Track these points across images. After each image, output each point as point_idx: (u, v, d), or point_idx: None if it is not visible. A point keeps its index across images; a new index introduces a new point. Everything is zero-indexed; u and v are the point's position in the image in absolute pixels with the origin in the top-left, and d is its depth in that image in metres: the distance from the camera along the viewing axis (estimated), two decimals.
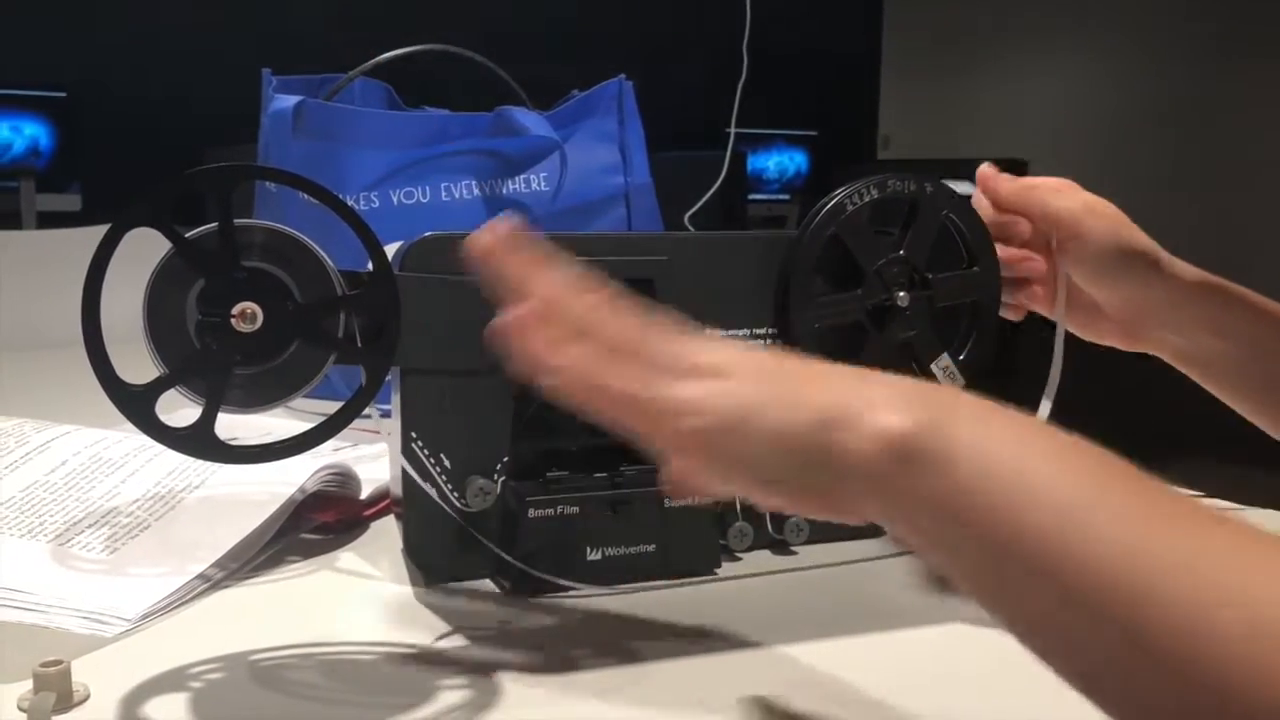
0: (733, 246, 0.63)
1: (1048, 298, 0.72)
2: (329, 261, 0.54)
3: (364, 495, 0.70)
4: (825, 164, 6.56)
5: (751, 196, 6.41)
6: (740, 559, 0.64)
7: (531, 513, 0.57)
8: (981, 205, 0.70)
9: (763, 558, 0.65)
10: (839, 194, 0.63)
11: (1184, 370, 0.72)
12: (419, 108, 1.17)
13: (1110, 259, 0.68)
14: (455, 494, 0.59)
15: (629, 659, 0.51)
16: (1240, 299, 0.69)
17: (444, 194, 1.00)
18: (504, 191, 1.01)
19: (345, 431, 0.56)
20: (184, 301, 0.52)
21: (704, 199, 1.76)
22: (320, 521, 0.67)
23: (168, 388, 0.51)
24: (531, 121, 0.99)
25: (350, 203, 0.99)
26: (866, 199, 0.63)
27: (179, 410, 0.52)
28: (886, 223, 0.64)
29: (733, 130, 1.75)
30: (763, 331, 0.64)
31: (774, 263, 0.63)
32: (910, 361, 0.66)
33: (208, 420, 0.52)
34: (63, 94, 4.60)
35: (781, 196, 6.89)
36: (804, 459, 0.39)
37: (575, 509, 0.58)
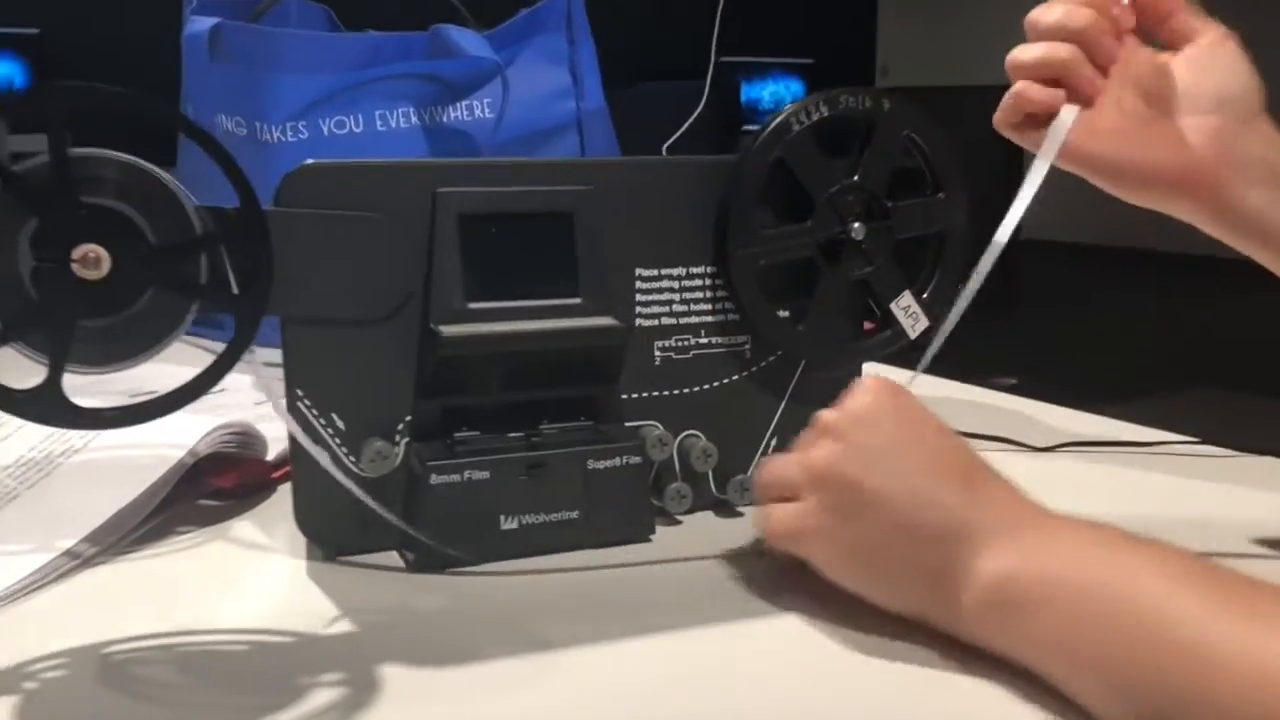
0: (665, 174, 0.56)
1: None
2: (186, 196, 0.47)
3: (271, 456, 0.64)
4: None
5: (746, 127, 6.29)
6: (680, 522, 0.58)
7: (434, 479, 0.51)
8: None
9: (705, 521, 0.58)
10: (784, 113, 0.56)
11: None
12: (362, 31, 1.08)
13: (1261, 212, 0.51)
14: (351, 458, 0.52)
15: (537, 647, 0.45)
16: None
17: (379, 122, 0.92)
18: (444, 119, 0.93)
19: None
20: (15, 245, 0.45)
21: (683, 128, 1.69)
22: (217, 486, 0.61)
23: (0, 345, 0.44)
24: (469, 42, 0.91)
25: (276, 135, 0.92)
26: (815, 118, 0.56)
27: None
28: (840, 145, 0.57)
29: (713, 56, 1.66)
30: (700, 270, 0.57)
31: (713, 192, 0.56)
32: (867, 300, 0.59)
33: (54, 380, 0.45)
34: (35, 30, 4.48)
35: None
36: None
37: (485, 474, 0.52)
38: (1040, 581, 0.40)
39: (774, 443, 0.59)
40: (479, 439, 0.53)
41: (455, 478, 0.51)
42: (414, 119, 0.93)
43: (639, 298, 0.56)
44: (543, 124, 0.96)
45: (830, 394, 0.60)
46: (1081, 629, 0.38)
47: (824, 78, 6.63)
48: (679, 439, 0.58)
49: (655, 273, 0.56)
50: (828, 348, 0.59)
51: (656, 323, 0.57)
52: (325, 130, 0.92)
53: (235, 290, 0.47)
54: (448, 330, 0.51)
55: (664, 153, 1.64)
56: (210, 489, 0.61)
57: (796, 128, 0.55)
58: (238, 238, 0.47)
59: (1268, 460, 0.70)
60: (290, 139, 0.91)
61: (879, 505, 0.45)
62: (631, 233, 0.55)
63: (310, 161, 0.51)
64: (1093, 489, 0.65)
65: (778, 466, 0.50)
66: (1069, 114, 0.51)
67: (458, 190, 0.52)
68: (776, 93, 6.65)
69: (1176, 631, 0.36)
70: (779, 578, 0.50)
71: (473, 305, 0.52)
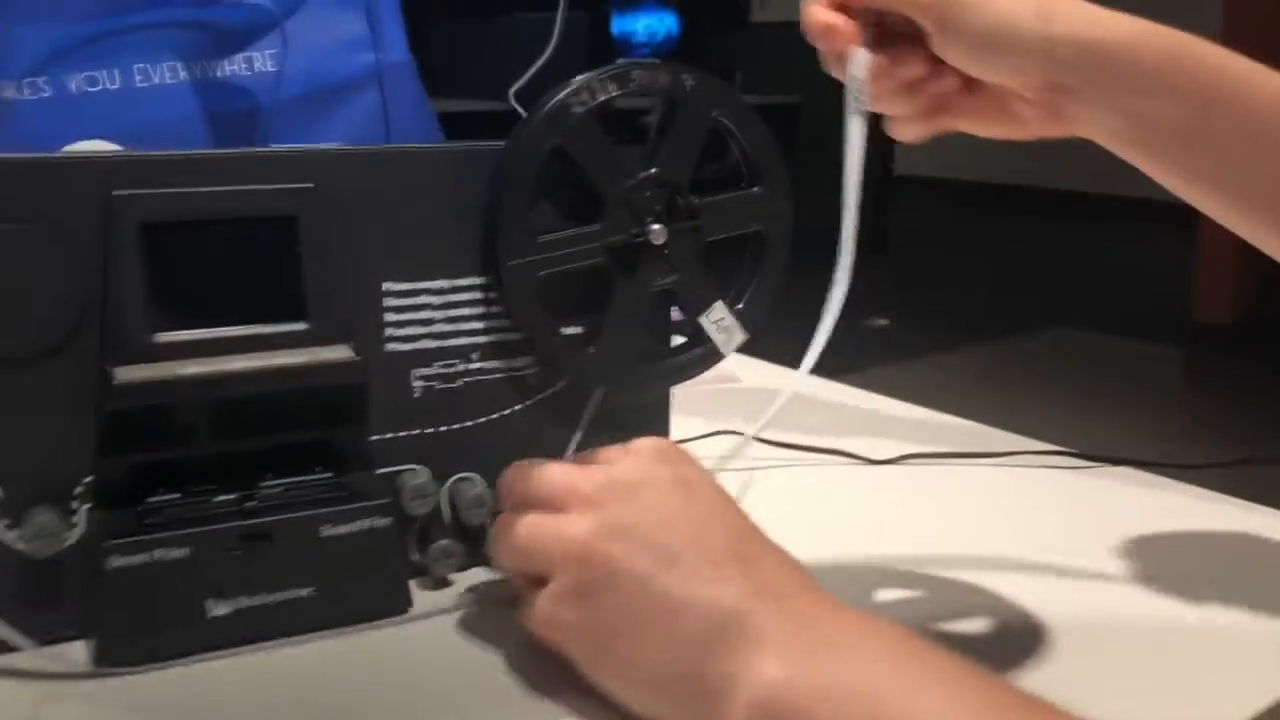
0: (416, 166, 0.46)
1: (976, 110, 0.50)
2: None
3: None
4: (696, 27, 6.30)
5: (619, 63, 6.13)
6: (451, 583, 0.49)
7: (114, 562, 0.40)
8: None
9: (479, 579, 0.49)
10: (562, 91, 0.46)
11: (1118, 152, 0.49)
12: None
13: (995, 30, 0.46)
14: (14, 531, 0.41)
15: None
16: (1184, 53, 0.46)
17: (139, 77, 0.79)
18: (219, 74, 0.81)
19: None
20: None
21: (531, 70, 1.57)
22: None
23: None
24: None
25: (11, 92, 0.78)
26: (601, 98, 0.46)
27: None
28: (634, 130, 0.48)
29: None
30: (468, 282, 0.47)
31: (479, 187, 0.46)
32: (671, 314, 0.50)
33: None
34: None
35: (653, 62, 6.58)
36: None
37: (184, 551, 0.41)
38: (808, 697, 0.34)
39: None
40: (177, 506, 0.42)
41: (144, 558, 0.41)
42: (182, 73, 0.80)
43: (389, 318, 0.46)
44: (334, 78, 0.83)
45: (635, 423, 0.51)
46: None
47: (698, 9, 6.51)
48: (448, 484, 0.48)
49: (409, 287, 0.46)
50: (626, 371, 0.49)
51: (413, 347, 0.47)
52: (73, 87, 0.78)
53: None
54: (123, 374, 0.40)
55: (511, 98, 1.51)
56: None
57: (579, 110, 0.46)
58: None
59: (1124, 470, 0.63)
60: (29, 96, 0.77)
61: (635, 591, 0.37)
62: (375, 239, 0.45)
63: None
64: (930, 509, 0.58)
65: (525, 533, 0.41)
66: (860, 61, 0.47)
67: (140, 192, 0.41)
68: (650, 26, 6.49)
69: None
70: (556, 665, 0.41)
71: (160, 339, 0.41)
